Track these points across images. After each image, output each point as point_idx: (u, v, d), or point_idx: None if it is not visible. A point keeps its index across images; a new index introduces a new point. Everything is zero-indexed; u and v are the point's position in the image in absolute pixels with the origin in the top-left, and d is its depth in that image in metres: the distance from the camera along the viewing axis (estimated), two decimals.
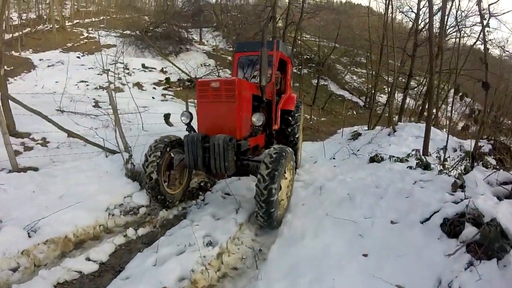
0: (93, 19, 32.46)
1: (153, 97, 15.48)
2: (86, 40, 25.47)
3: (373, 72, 20.19)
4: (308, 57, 29.59)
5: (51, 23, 25.98)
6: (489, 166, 5.65)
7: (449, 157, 7.37)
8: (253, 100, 5.27)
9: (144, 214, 5.38)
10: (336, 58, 31.27)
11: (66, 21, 28.75)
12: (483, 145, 8.59)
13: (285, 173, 4.60)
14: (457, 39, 14.61)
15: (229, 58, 25.73)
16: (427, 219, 4.01)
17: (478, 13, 7.48)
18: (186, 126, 5.27)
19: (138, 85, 17.75)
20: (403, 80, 17.64)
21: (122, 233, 4.66)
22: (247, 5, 27.22)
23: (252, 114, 5.06)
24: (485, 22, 5.85)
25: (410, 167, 6.07)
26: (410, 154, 7.36)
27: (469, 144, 8.47)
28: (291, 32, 22.65)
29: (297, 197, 5.92)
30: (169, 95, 17.79)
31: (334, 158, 9.19)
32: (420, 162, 5.99)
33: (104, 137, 7.13)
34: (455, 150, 8.41)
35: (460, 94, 4.89)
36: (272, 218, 4.24)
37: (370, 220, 4.35)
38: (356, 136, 13.54)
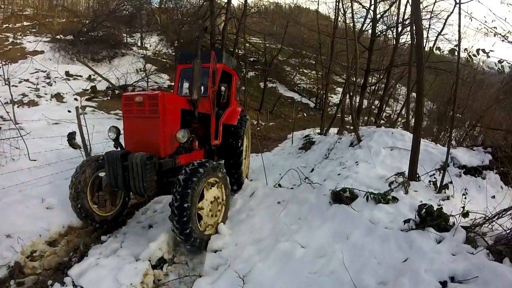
0: (25, 23, 27.81)
1: (69, 111, 12.32)
2: (10, 47, 21.22)
3: (323, 73, 17.52)
4: (254, 59, 26.58)
5: None
6: None
7: (451, 182, 4.51)
8: (185, 115, 4.76)
9: None
10: (284, 60, 28.55)
11: None
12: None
13: (208, 188, 4.12)
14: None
15: (170, 62, 22.45)
16: None
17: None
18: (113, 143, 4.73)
19: (58, 96, 14.48)
20: (353, 79, 15.21)
21: None
22: (187, 2, 23.60)
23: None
24: None
25: (408, 222, 3.05)
26: (394, 183, 4.41)
27: (462, 156, 5.67)
28: (232, 29, 19.47)
29: None
30: (92, 107, 14.41)
31: (279, 185, 6.10)
32: (427, 215, 2.97)
33: None
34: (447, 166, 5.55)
35: None
36: (186, 231, 3.60)
37: None
38: (308, 144, 10.57)
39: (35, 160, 6.35)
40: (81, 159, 6.24)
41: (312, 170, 6.85)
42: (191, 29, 19.90)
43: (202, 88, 5.67)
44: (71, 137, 5.64)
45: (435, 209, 3.05)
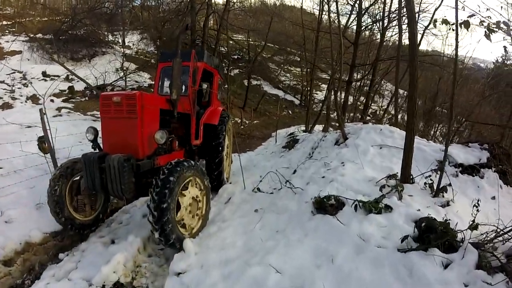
0: (4, 23, 26.58)
1: (44, 113, 11.45)
2: None
3: (308, 70, 16.99)
4: (238, 56, 25.88)
5: None
6: None
7: (449, 185, 3.97)
8: (164, 114, 4.63)
9: None
10: (268, 57, 27.90)
11: None
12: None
13: (186, 189, 3.93)
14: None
15: (152, 60, 21.68)
16: None
17: None
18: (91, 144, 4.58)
19: (33, 98, 13.70)
20: (338, 74, 14.69)
21: None
22: None
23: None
24: None
25: (405, 239, 2.49)
26: (386, 187, 3.86)
27: (458, 153, 5.17)
28: (214, 26, 18.77)
29: None
30: (67, 108, 13.51)
31: (258, 190, 5.50)
32: (429, 231, 2.41)
33: None
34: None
35: None
36: (163, 205, 3.44)
37: None
38: (292, 143, 9.98)
39: (0, 168, 5.80)
40: (47, 165, 5.90)
41: (295, 171, 6.25)
42: (172, 27, 19.15)
43: (183, 87, 5.53)
44: (41, 141, 5.35)
45: (438, 222, 2.48)
